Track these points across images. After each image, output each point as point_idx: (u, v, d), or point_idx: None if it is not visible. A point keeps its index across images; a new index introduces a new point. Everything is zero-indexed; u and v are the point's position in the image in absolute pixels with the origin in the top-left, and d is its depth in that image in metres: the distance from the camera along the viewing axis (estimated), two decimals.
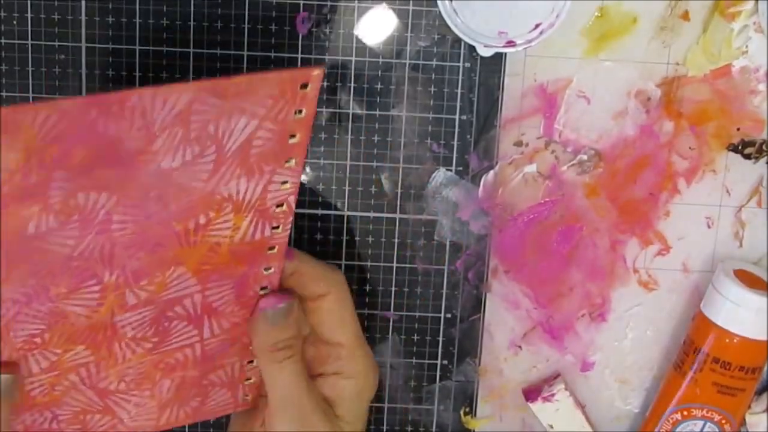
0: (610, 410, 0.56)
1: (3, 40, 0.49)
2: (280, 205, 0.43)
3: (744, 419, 0.53)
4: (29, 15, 0.48)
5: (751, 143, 0.52)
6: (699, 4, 0.50)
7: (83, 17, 0.48)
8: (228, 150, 0.40)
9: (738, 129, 0.51)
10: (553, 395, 0.54)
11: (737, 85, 0.51)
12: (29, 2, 0.48)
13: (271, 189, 0.42)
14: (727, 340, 0.50)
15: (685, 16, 0.50)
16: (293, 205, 0.43)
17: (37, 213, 0.38)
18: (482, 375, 0.55)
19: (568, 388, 0.54)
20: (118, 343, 0.44)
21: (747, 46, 0.50)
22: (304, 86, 0.39)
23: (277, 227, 0.44)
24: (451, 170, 0.51)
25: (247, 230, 0.43)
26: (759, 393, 0.53)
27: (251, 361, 0.49)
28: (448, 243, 0.52)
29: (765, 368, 0.52)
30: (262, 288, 0.46)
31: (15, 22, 0.48)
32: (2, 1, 0.48)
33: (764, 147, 0.52)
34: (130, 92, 0.36)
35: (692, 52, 0.50)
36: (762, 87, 0.51)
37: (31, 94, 0.49)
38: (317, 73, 0.39)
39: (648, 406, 0.55)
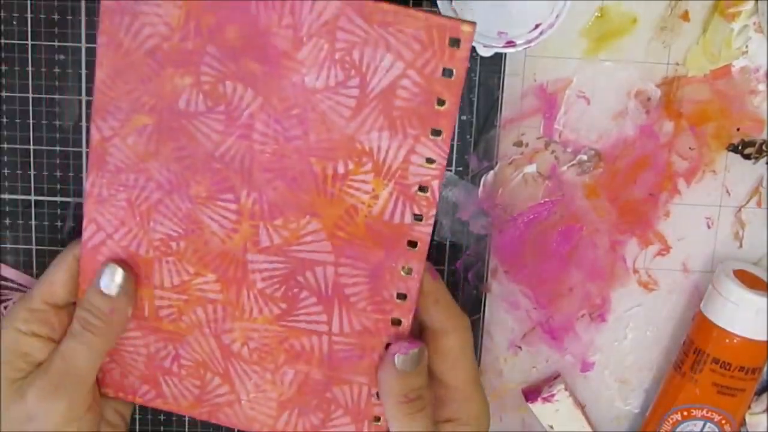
0: (610, 410, 0.56)
1: (3, 40, 0.49)
2: (423, 189, 0.42)
3: (744, 419, 0.53)
4: (29, 15, 0.48)
5: (751, 143, 0.52)
6: (699, 5, 0.50)
7: (83, 17, 0.48)
8: (371, 90, 0.41)
9: (738, 129, 0.51)
10: (553, 396, 0.54)
11: (737, 85, 0.51)
12: (29, 2, 0.48)
13: (414, 160, 0.42)
14: (727, 341, 0.50)
15: (685, 16, 0.50)
16: (437, 194, 0.43)
17: (188, 86, 0.42)
18: (482, 375, 0.54)
19: (568, 388, 0.54)
20: (247, 291, 0.45)
21: (747, 46, 0.50)
22: (455, 43, 0.40)
23: (420, 217, 0.43)
24: (450, 170, 0.51)
25: (387, 205, 0.43)
26: (759, 393, 0.53)
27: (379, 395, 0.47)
28: (448, 243, 0.52)
29: (765, 368, 0.52)
30: (399, 296, 0.44)
31: (15, 22, 0.48)
32: (2, 1, 0.48)
33: (764, 147, 0.52)
34: None
35: (692, 52, 0.50)
36: (762, 87, 0.51)
37: (31, 95, 0.49)
38: (468, 29, 0.40)
39: (648, 407, 0.55)
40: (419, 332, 0.46)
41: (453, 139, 0.51)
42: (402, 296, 0.44)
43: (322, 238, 0.43)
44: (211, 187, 0.43)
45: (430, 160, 0.42)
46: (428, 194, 0.42)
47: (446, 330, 0.45)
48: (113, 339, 0.45)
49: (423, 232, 0.43)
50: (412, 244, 0.43)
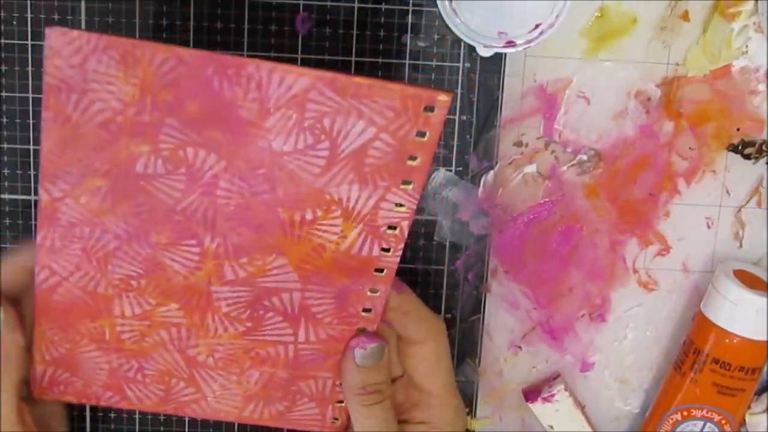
0: (610, 411, 0.56)
1: (3, 40, 0.48)
2: (392, 228, 0.42)
3: (744, 419, 0.53)
4: (29, 15, 0.48)
5: (751, 143, 0.52)
6: (699, 5, 0.50)
7: (83, 17, 0.48)
8: (342, 151, 0.40)
9: (738, 129, 0.51)
10: (552, 396, 0.54)
11: (737, 85, 0.51)
12: (29, 2, 0.48)
13: (383, 206, 0.42)
14: (727, 341, 0.50)
15: (685, 16, 0.50)
16: (406, 231, 0.43)
17: (146, 153, 0.40)
18: (482, 375, 0.54)
19: (567, 388, 0.54)
20: (211, 315, 0.45)
21: (747, 47, 0.50)
22: (430, 109, 0.39)
23: (388, 250, 0.43)
24: (450, 170, 0.51)
25: (355, 242, 0.43)
26: (759, 393, 0.53)
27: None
28: (447, 243, 0.52)
29: (765, 368, 0.52)
30: (365, 310, 0.45)
31: (15, 22, 0.48)
32: (2, 1, 0.48)
33: (764, 147, 0.52)
34: (249, 60, 0.38)
35: (692, 52, 0.50)
36: (762, 87, 0.51)
37: (31, 95, 0.49)
38: (444, 99, 0.39)
39: (648, 407, 0.55)
40: (396, 341, 0.47)
41: (453, 139, 0.51)
42: (367, 310, 0.45)
43: (288, 270, 0.43)
44: (173, 234, 0.42)
45: (399, 205, 0.42)
46: (397, 232, 0.43)
47: (420, 339, 0.46)
48: (14, 370, 0.44)
49: (390, 261, 0.43)
50: (380, 270, 0.44)
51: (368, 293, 0.44)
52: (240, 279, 0.44)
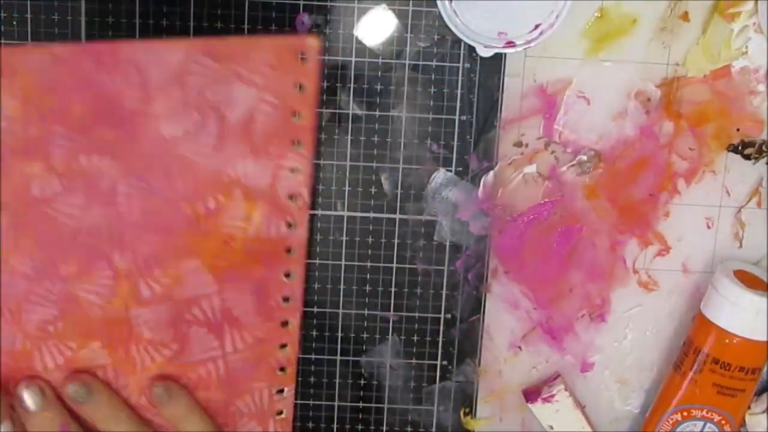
0: (610, 411, 0.56)
1: (3, 40, 0.48)
2: (292, 198, 0.42)
3: (744, 420, 0.53)
4: (29, 15, 0.48)
5: (751, 144, 0.52)
6: (699, 5, 0.50)
7: (83, 17, 0.48)
8: (230, 123, 0.40)
9: (738, 130, 0.51)
10: (552, 396, 0.54)
11: (737, 85, 0.51)
12: (29, 2, 0.48)
13: (281, 176, 0.41)
14: (727, 341, 0.50)
15: (685, 16, 0.50)
16: (307, 200, 0.42)
17: (39, 172, 0.39)
18: (482, 376, 0.54)
19: (567, 388, 0.54)
20: (135, 346, 0.44)
21: (747, 47, 0.50)
22: (304, 58, 0.39)
23: (293, 224, 0.43)
24: (450, 171, 0.51)
25: (261, 224, 0.42)
26: (759, 393, 0.53)
27: (281, 391, 0.47)
28: (447, 244, 0.52)
29: (765, 369, 0.52)
30: (284, 300, 0.44)
31: (15, 23, 0.48)
32: (2, 1, 0.48)
33: (764, 147, 0.52)
34: (122, 43, 0.37)
35: (692, 52, 0.50)
36: (761, 87, 0.51)
37: None
38: (312, 41, 0.39)
39: (648, 407, 0.55)
40: None
41: (453, 140, 0.51)
42: (286, 299, 0.44)
43: (203, 273, 0.43)
44: (82, 261, 0.41)
45: (294, 171, 0.41)
46: (299, 202, 0.42)
47: None
48: None
49: (298, 237, 0.43)
50: (289, 250, 0.43)
51: (284, 279, 0.44)
52: (157, 295, 0.43)
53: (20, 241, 0.40)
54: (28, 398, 0.42)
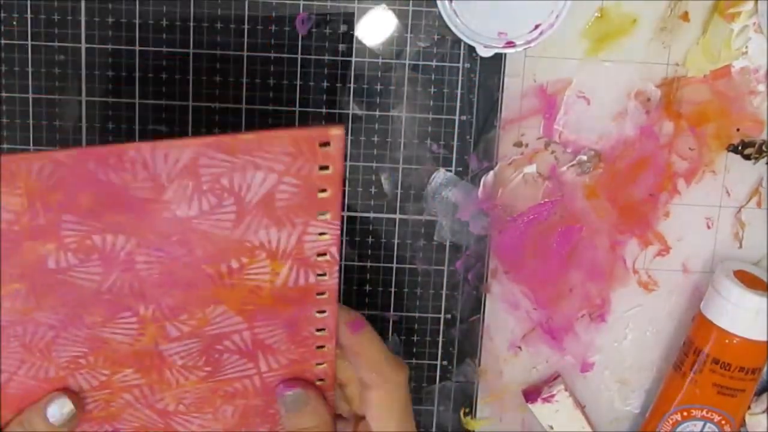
0: (610, 411, 0.56)
1: (3, 40, 0.48)
2: (322, 254, 0.41)
3: (744, 420, 0.53)
4: (29, 15, 0.48)
5: (751, 144, 0.52)
6: (699, 5, 0.50)
7: (83, 17, 0.48)
8: (249, 202, 0.39)
9: (738, 130, 0.51)
10: (552, 396, 0.54)
11: (737, 85, 0.51)
12: (29, 2, 0.48)
13: (307, 239, 0.41)
14: (727, 341, 0.50)
15: (685, 16, 0.50)
16: (337, 256, 0.41)
17: (54, 250, 0.39)
18: (482, 376, 0.54)
19: (567, 388, 0.54)
20: (168, 370, 0.44)
21: (747, 47, 0.50)
22: (326, 144, 0.38)
23: (323, 274, 0.42)
24: (450, 171, 0.51)
25: (288, 276, 0.41)
26: (759, 394, 0.53)
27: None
28: (447, 244, 0.52)
29: (765, 369, 0.52)
30: (318, 330, 0.43)
31: (15, 22, 0.48)
32: (2, 2, 0.48)
33: (764, 148, 0.52)
34: (128, 146, 0.37)
35: (692, 52, 0.50)
36: (762, 88, 0.51)
37: (30, 95, 0.49)
38: (337, 133, 0.38)
39: (648, 407, 0.55)
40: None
41: (453, 140, 0.51)
42: (321, 329, 0.44)
43: (231, 315, 0.42)
44: (106, 313, 0.41)
45: (322, 234, 0.40)
46: (328, 257, 0.41)
47: (370, 384, 0.44)
48: None
49: (329, 284, 0.42)
50: (321, 293, 0.42)
51: (316, 315, 0.43)
52: (185, 333, 0.43)
53: (42, 301, 0.40)
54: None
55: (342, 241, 0.52)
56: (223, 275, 0.41)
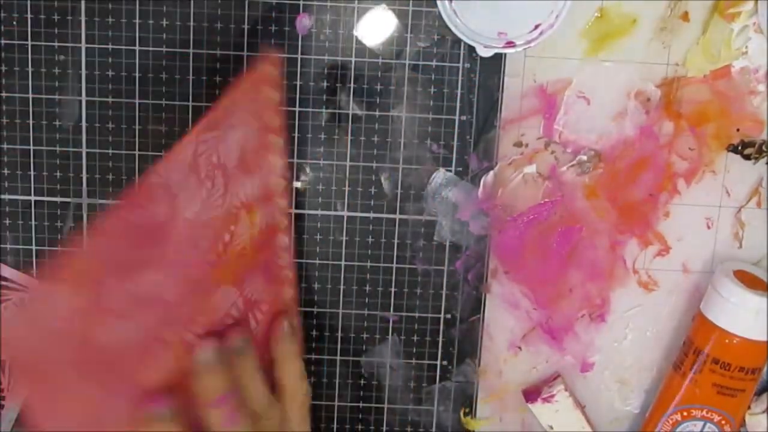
0: (610, 411, 0.56)
1: (3, 40, 0.49)
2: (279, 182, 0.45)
3: (744, 420, 0.53)
4: (29, 15, 0.48)
5: (751, 144, 0.52)
6: (699, 5, 0.50)
7: (83, 17, 0.48)
8: (231, 167, 0.43)
9: (738, 130, 0.51)
10: (552, 396, 0.54)
11: (737, 85, 0.51)
12: (29, 2, 0.48)
13: (270, 181, 0.44)
14: (727, 341, 0.50)
15: (685, 17, 0.50)
16: (286, 172, 0.45)
17: (115, 328, 0.40)
18: (482, 376, 0.54)
19: (567, 388, 0.54)
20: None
21: (747, 47, 0.50)
22: (273, 73, 0.43)
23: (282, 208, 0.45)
24: (450, 171, 0.51)
25: (261, 220, 0.44)
26: (759, 394, 0.53)
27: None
28: (447, 244, 0.52)
29: (765, 369, 0.52)
30: (282, 261, 0.46)
31: (15, 22, 0.48)
32: (2, 2, 0.48)
33: (764, 148, 0.52)
34: (150, 176, 0.40)
35: (692, 52, 0.50)
36: (761, 88, 0.51)
37: (30, 95, 0.49)
38: (274, 57, 0.43)
39: (648, 407, 0.55)
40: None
41: (453, 140, 0.51)
42: (283, 257, 0.46)
43: (229, 290, 0.44)
44: (137, 357, 0.42)
45: (278, 167, 0.44)
46: (283, 182, 0.45)
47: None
48: None
49: (282, 210, 0.45)
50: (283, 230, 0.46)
51: (282, 249, 0.46)
52: (202, 334, 0.44)
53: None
54: (207, 353, 0.43)
55: (342, 241, 0.52)
56: (219, 255, 0.43)
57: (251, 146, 0.43)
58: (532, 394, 0.54)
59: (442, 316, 0.53)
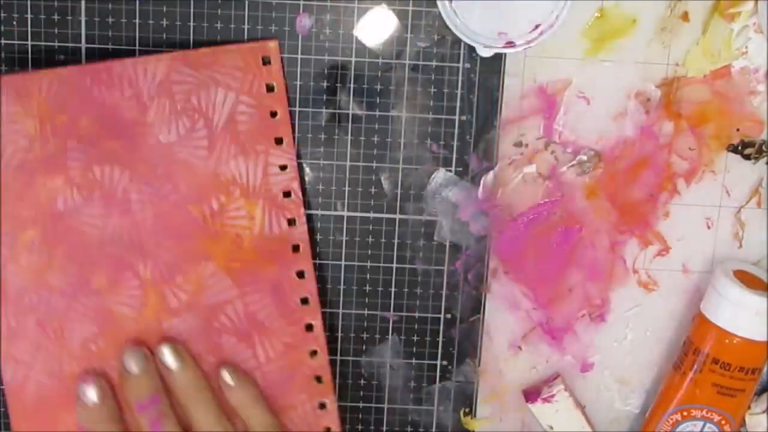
0: (610, 411, 0.56)
1: (3, 40, 0.49)
2: (287, 195, 0.47)
3: (744, 420, 0.53)
4: (29, 15, 0.48)
5: (751, 144, 0.52)
6: (699, 5, 0.50)
7: (83, 17, 0.48)
8: (216, 125, 0.46)
9: (738, 130, 0.51)
10: (552, 396, 0.54)
11: (737, 85, 0.51)
12: (29, 2, 0.48)
13: (270, 172, 0.47)
14: (727, 341, 0.50)
15: (685, 17, 0.50)
16: (300, 195, 0.48)
17: (61, 186, 0.44)
18: (482, 376, 0.54)
19: (567, 388, 0.54)
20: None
21: (746, 47, 0.50)
22: (267, 61, 0.46)
23: (293, 221, 0.47)
24: (450, 171, 0.51)
25: (263, 221, 0.47)
26: (759, 394, 0.53)
27: (323, 406, 0.49)
28: (447, 244, 0.52)
29: (765, 369, 0.52)
30: (303, 301, 0.48)
31: (15, 22, 0.48)
32: (2, 2, 0.48)
33: (764, 148, 0.52)
34: (114, 61, 0.45)
35: (692, 53, 0.50)
36: (761, 88, 0.51)
37: None
38: (273, 45, 0.46)
39: (648, 407, 0.55)
40: None
41: (453, 140, 0.51)
42: (305, 300, 0.48)
43: (221, 276, 0.46)
44: (110, 272, 0.45)
45: (283, 167, 0.47)
46: (293, 197, 0.47)
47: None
48: None
49: (300, 233, 0.48)
50: (296, 248, 0.48)
51: (296, 278, 0.48)
52: (184, 303, 0.46)
53: (53, 256, 0.45)
54: (131, 360, 0.45)
55: (342, 241, 0.52)
56: (206, 219, 0.46)
57: (245, 123, 0.46)
58: (532, 394, 0.54)
59: (442, 316, 0.53)
